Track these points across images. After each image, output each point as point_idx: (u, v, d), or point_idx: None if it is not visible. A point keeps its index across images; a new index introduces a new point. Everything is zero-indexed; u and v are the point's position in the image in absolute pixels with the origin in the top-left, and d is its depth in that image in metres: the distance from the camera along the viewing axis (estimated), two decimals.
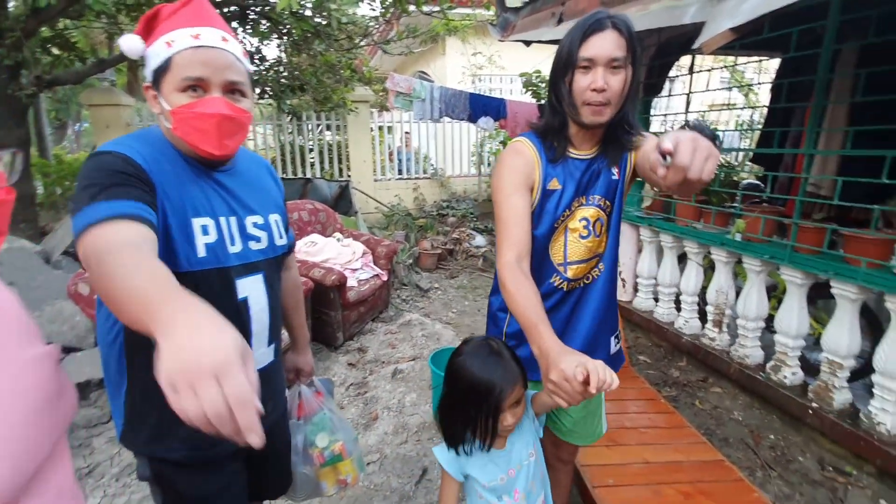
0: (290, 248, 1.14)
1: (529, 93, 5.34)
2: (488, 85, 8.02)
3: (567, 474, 1.46)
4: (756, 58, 3.43)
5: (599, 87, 0.99)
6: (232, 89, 0.87)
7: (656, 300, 3.43)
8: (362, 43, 6.07)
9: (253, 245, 0.97)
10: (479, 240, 5.74)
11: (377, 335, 3.60)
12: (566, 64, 1.03)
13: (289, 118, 6.26)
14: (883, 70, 2.13)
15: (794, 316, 2.40)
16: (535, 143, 1.13)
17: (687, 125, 1.03)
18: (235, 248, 0.93)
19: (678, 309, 3.24)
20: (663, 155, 0.76)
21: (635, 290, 3.65)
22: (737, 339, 2.76)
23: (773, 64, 4.30)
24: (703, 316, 3.08)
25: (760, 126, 5.00)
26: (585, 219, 1.14)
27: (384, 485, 2.08)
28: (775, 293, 2.88)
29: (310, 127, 6.52)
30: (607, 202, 1.15)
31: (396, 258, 4.84)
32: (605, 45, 0.98)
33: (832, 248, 2.29)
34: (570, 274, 1.16)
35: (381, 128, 7.14)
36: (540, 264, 1.15)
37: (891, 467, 1.97)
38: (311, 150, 6.58)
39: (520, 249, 1.03)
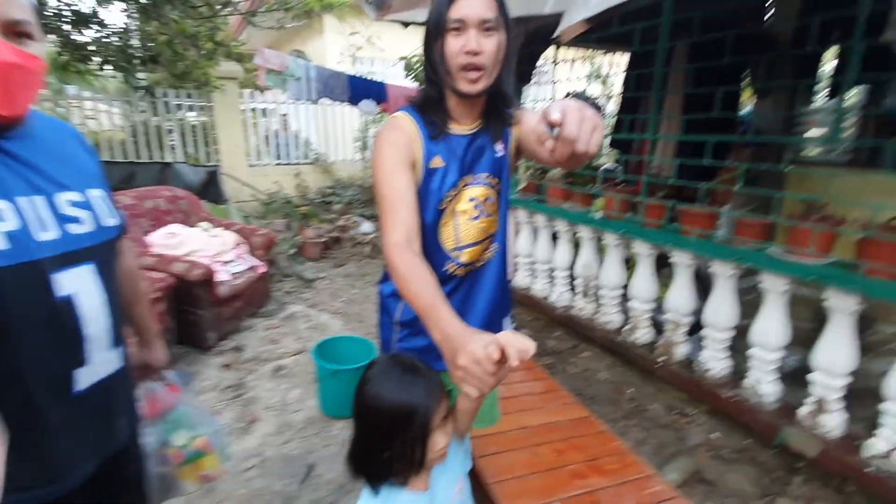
0: (122, 230, 0.96)
1: (411, 77, 5.31)
2: (368, 68, 7.83)
3: None
4: (609, 52, 3.79)
5: (472, 49, 0.95)
6: (16, 31, 0.70)
7: (533, 277, 3.66)
8: (224, 12, 5.50)
9: (74, 228, 0.79)
10: (367, 226, 5.63)
11: (256, 331, 3.34)
12: (436, 28, 0.99)
13: (141, 94, 5.48)
14: (707, 66, 2.48)
15: (644, 283, 2.72)
16: (414, 118, 1.06)
17: (570, 94, 1.01)
18: (49, 234, 0.75)
19: (552, 284, 3.50)
20: (550, 126, 0.72)
21: (515, 269, 3.86)
22: (601, 308, 3.06)
23: (627, 58, 4.79)
24: (573, 289, 3.36)
25: (615, 115, 5.56)
26: (474, 199, 1.10)
27: (265, 489, 1.95)
28: (629, 263, 3.24)
29: (168, 105, 5.78)
30: (495, 179, 1.12)
31: (277, 248, 4.54)
32: (474, 4, 0.95)
33: (673, 223, 2.63)
34: (464, 259, 1.12)
35: (254, 110, 6.59)
36: (431, 253, 1.09)
37: (718, 405, 2.34)
38: (170, 132, 5.84)
39: (408, 229, 0.94)
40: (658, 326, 2.86)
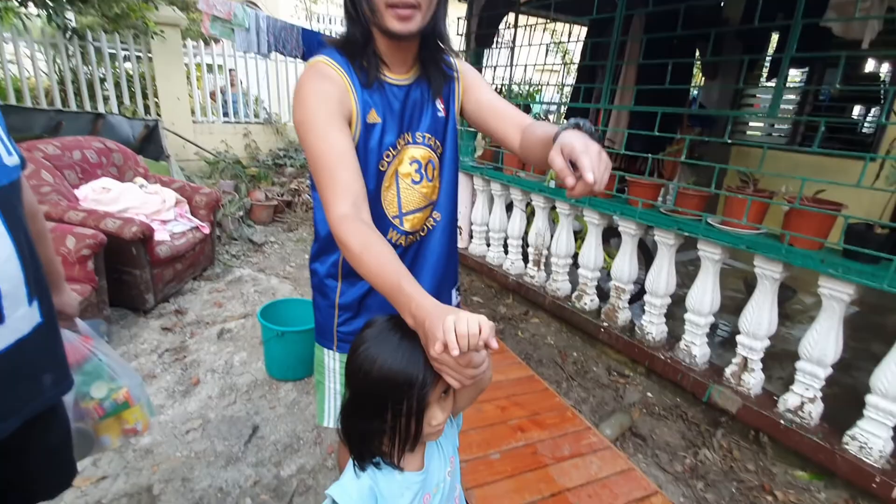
0: (22, 169, 0.86)
1: None
2: (326, 26, 7.45)
3: None
4: (569, 23, 3.77)
5: None
6: None
7: (488, 245, 3.69)
8: None
9: None
10: None
11: (200, 294, 3.21)
12: None
13: (68, 37, 4.97)
14: (661, 38, 2.51)
15: (592, 252, 2.81)
16: (341, 65, 0.90)
17: (577, 126, 0.96)
18: None
19: (506, 252, 3.54)
20: (573, 165, 0.71)
21: (470, 236, 3.88)
22: (551, 275, 3.14)
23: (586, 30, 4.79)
24: (525, 257, 3.42)
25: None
26: (416, 161, 1.00)
27: (207, 451, 1.90)
28: (580, 234, 3.32)
29: (101, 52, 5.28)
30: (436, 142, 1.02)
31: (224, 210, 4.34)
32: None
33: (622, 193, 2.71)
34: (406, 226, 1.02)
35: (199, 64, 6.14)
36: (373, 220, 0.97)
37: (654, 366, 2.48)
38: (103, 81, 5.37)
39: (354, 196, 0.82)
40: (602, 294, 2.98)
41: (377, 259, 0.75)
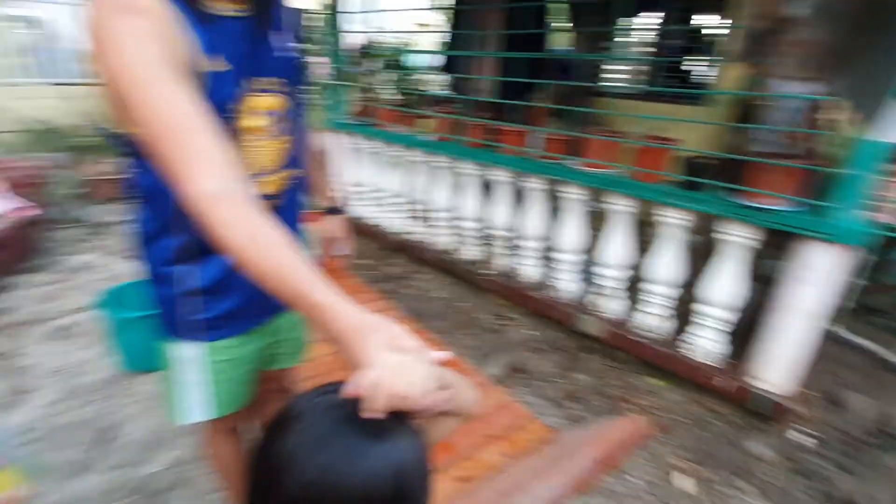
0: None
1: None
2: None
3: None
4: None
5: None
6: None
7: (370, 205, 3.58)
8: None
9: None
10: None
11: (26, 289, 2.70)
12: None
13: None
14: None
15: (469, 203, 2.84)
16: None
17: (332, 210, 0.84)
18: None
19: (388, 211, 3.47)
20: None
21: (349, 199, 3.73)
22: (433, 231, 3.14)
23: None
24: (409, 215, 3.38)
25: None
26: (271, 111, 0.85)
27: (53, 463, 1.64)
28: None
29: None
30: (289, 87, 0.87)
31: (53, 188, 3.66)
32: None
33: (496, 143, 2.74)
34: (268, 189, 0.88)
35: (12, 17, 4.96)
36: None
37: (533, 306, 2.63)
38: None
39: (221, 166, 0.64)
40: (484, 242, 3.06)
41: (271, 256, 0.58)
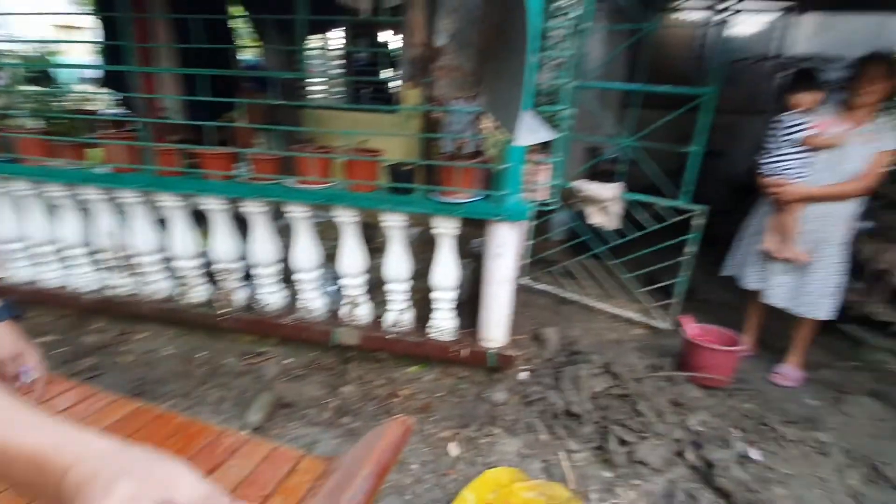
0: None
1: None
2: None
3: None
4: None
5: None
6: None
7: (38, 265, 2.71)
8: None
9: None
10: None
11: None
12: None
13: None
14: None
15: (181, 239, 2.47)
16: None
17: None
18: None
19: (69, 267, 2.70)
20: None
21: (5, 261, 2.74)
22: (143, 279, 2.61)
23: None
24: (102, 266, 2.70)
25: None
26: None
27: None
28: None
29: None
30: None
31: None
32: None
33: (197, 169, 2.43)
34: None
35: None
36: None
37: (283, 334, 2.49)
38: None
39: None
40: (212, 279, 2.72)
41: None
